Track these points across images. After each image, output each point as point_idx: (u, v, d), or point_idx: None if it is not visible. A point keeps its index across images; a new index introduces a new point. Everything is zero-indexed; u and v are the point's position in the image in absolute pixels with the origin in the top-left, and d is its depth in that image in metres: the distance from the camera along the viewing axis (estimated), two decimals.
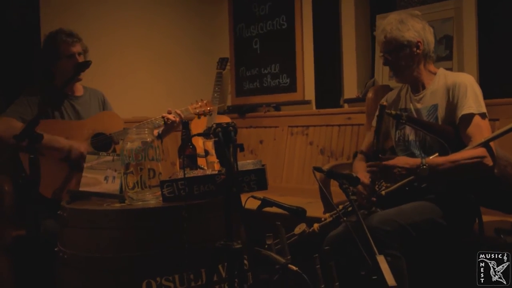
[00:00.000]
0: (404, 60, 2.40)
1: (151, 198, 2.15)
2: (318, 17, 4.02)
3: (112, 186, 2.36)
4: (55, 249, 2.14)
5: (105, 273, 1.92)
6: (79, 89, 3.07)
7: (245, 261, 2.05)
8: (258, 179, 2.06)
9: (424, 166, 2.17)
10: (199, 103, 3.07)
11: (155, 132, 2.95)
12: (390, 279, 1.65)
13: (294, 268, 1.92)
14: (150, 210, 2.03)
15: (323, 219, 2.46)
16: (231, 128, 1.73)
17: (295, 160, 3.89)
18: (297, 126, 3.97)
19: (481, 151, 2.16)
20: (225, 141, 1.71)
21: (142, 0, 4.38)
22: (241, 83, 4.67)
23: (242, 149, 1.75)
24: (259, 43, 4.50)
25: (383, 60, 2.47)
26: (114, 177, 2.37)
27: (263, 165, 2.14)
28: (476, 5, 3.13)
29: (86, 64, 2.78)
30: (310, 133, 3.85)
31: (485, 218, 2.36)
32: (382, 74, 3.61)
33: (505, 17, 3.01)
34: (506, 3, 3.01)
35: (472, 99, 2.26)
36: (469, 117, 2.24)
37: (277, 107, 4.30)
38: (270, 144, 4.14)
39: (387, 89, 3.24)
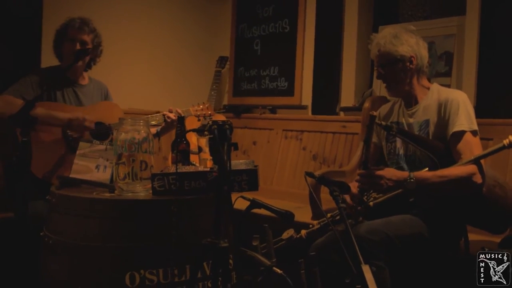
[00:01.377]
0: (397, 74, 2.41)
1: (141, 190, 2.14)
2: (321, 23, 4.03)
3: (103, 175, 2.35)
4: (41, 233, 2.13)
5: (89, 261, 1.91)
6: (84, 78, 3.09)
7: (230, 261, 2.05)
8: (249, 179, 2.06)
9: (412, 180, 2.16)
10: (201, 106, 3.08)
11: (154, 130, 2.95)
12: None
13: (279, 271, 1.93)
14: (139, 202, 2.02)
15: (310, 225, 2.47)
16: (226, 126, 1.73)
17: (287, 164, 3.90)
18: (291, 130, 3.97)
19: (471, 168, 2.17)
20: (220, 138, 1.70)
21: None
22: (239, 83, 4.66)
23: (236, 148, 1.75)
24: (260, 44, 4.50)
25: (377, 73, 2.48)
26: (105, 167, 2.36)
27: (255, 166, 2.14)
28: (479, 24, 3.15)
29: (85, 52, 2.80)
30: (304, 138, 3.86)
31: (472, 237, 2.37)
32: (380, 85, 3.62)
33: (507, 38, 3.03)
34: (509, 23, 3.03)
35: (464, 116, 2.27)
36: (460, 134, 2.25)
37: (273, 109, 4.30)
38: (264, 146, 4.14)
39: (384, 100, 3.26)
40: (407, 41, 2.39)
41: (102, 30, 3.08)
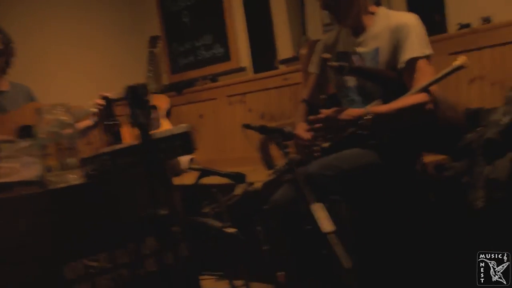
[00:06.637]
0: (343, 1, 2.26)
1: (74, 178, 2.00)
2: None
3: (33, 173, 2.20)
4: None
5: (25, 261, 1.78)
6: (4, 84, 2.90)
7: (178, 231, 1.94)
8: (183, 143, 1.93)
9: (368, 117, 2.08)
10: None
11: (90, 122, 2.78)
12: (326, 225, 1.58)
13: (230, 230, 1.84)
14: (68, 190, 1.88)
15: None
16: (141, 88, 1.61)
17: (237, 129, 3.79)
18: (234, 95, 3.88)
19: (423, 96, 2.11)
20: (136, 104, 1.58)
21: None
22: (176, 59, 4.54)
23: (154, 108, 1.63)
24: (188, 15, 4.37)
25: (322, 3, 2.31)
26: (32, 163, 2.21)
27: (188, 129, 2.02)
28: None
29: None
30: (248, 100, 3.79)
31: (426, 159, 2.36)
32: (315, 28, 3.54)
33: None
34: None
35: (416, 41, 2.17)
36: (412, 61, 2.16)
37: (214, 78, 4.19)
38: (210, 117, 4.07)
39: None
40: None
41: (26, 35, 2.92)
